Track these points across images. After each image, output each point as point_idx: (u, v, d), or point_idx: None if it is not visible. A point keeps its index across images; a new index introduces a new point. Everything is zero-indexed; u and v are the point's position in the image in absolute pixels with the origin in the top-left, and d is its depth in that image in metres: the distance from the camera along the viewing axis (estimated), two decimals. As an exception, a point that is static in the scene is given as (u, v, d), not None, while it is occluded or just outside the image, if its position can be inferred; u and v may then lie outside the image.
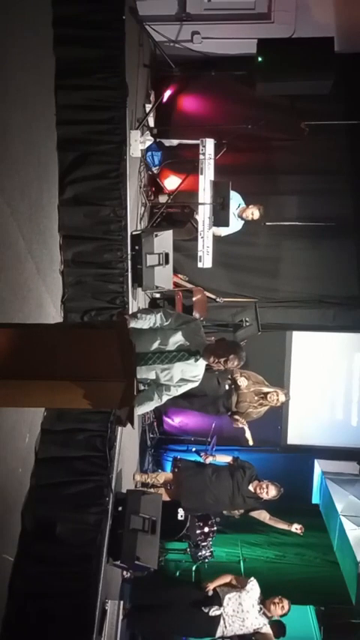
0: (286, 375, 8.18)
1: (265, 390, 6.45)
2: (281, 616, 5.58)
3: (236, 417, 6.52)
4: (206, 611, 5.49)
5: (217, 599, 5.57)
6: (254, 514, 6.32)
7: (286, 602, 5.56)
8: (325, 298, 7.84)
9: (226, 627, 5.48)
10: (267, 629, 5.51)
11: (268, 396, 6.39)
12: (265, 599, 5.59)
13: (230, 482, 6.17)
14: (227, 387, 6.55)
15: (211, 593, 5.63)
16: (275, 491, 6.10)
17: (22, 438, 4.41)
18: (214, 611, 5.48)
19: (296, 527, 6.24)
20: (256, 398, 6.43)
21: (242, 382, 6.42)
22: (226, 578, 5.85)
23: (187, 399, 6.61)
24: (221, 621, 5.48)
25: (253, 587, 5.63)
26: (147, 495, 5.24)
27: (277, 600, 5.56)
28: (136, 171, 6.27)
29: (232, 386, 6.52)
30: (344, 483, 7.83)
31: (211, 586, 5.69)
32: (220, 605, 5.52)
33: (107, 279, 5.43)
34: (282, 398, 6.46)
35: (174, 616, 5.68)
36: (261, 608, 5.54)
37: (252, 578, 5.74)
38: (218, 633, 5.51)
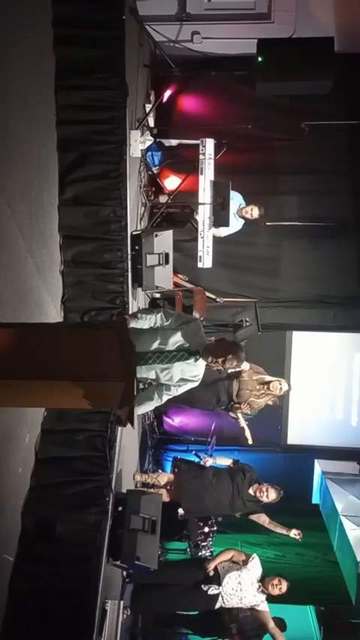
0: (286, 376, 8.14)
1: (268, 378, 6.41)
2: (278, 596, 5.68)
3: (237, 405, 6.46)
4: (205, 589, 5.60)
5: (216, 579, 5.68)
6: (254, 517, 6.29)
7: (284, 584, 5.66)
8: (325, 298, 7.84)
9: (224, 603, 5.65)
10: (264, 607, 5.63)
11: (271, 384, 6.33)
12: (264, 577, 5.68)
13: (230, 485, 6.15)
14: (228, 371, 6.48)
15: (212, 573, 5.73)
16: (275, 494, 6.08)
17: (22, 438, 4.41)
18: (212, 590, 5.61)
19: (295, 533, 6.21)
20: (257, 387, 6.38)
21: (244, 365, 6.35)
22: (228, 554, 5.93)
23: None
24: (219, 598, 5.63)
25: (255, 566, 5.73)
26: (147, 495, 5.24)
27: (275, 582, 5.65)
28: (136, 171, 6.27)
29: (233, 372, 6.46)
30: (344, 483, 7.82)
31: (212, 565, 5.79)
32: (220, 584, 5.63)
33: (107, 279, 5.43)
34: (285, 387, 6.39)
35: (174, 593, 5.78)
36: (260, 586, 5.60)
37: (254, 555, 5.83)
38: (217, 606, 5.67)
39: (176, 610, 6.24)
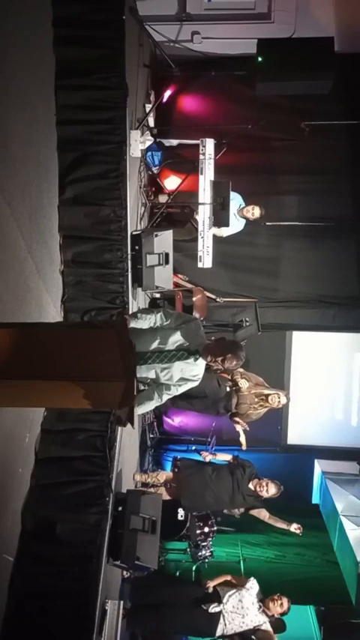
0: (286, 375, 8.18)
1: (266, 392, 6.46)
2: (281, 614, 5.58)
3: (236, 418, 6.53)
4: (206, 608, 5.49)
5: (216, 597, 5.58)
6: (254, 512, 6.31)
7: (285, 600, 5.57)
8: (325, 298, 7.84)
9: (225, 625, 5.48)
10: (267, 627, 5.52)
11: (270, 398, 6.40)
12: (264, 598, 5.60)
13: (230, 480, 6.16)
14: (227, 388, 6.55)
15: (211, 590, 5.65)
16: (275, 489, 6.10)
17: (22, 438, 4.41)
18: (213, 608, 5.49)
19: (295, 527, 6.23)
20: (256, 400, 6.43)
21: (243, 384, 6.42)
22: (226, 577, 5.87)
23: (187, 401, 6.61)
24: (221, 619, 5.48)
25: (253, 586, 5.64)
26: (147, 495, 5.24)
27: (276, 597, 5.57)
28: (136, 171, 6.27)
29: (233, 388, 6.53)
30: (344, 483, 7.82)
31: (211, 584, 5.71)
32: (220, 602, 5.52)
33: (107, 279, 5.43)
34: (283, 400, 6.47)
35: (174, 614, 5.69)
36: (260, 606, 5.55)
37: (252, 578, 5.75)
38: (218, 632, 5.50)
39: (176, 632, 6.16)
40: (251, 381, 6.49)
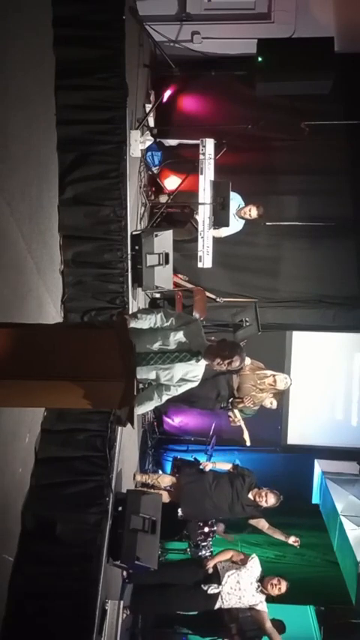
0: (286, 375, 8.18)
1: (270, 373, 6.46)
2: (278, 596, 5.68)
3: (238, 399, 6.46)
4: (205, 588, 5.63)
5: (216, 577, 5.71)
6: (253, 522, 6.28)
7: (283, 584, 5.66)
8: (325, 298, 7.84)
9: (223, 603, 5.66)
10: (262, 607, 5.64)
11: (277, 377, 6.40)
12: (264, 577, 5.69)
13: (230, 489, 6.12)
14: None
15: (211, 570, 5.77)
16: (274, 499, 6.07)
17: (22, 438, 4.41)
18: (212, 589, 5.64)
19: (293, 540, 6.17)
20: (259, 381, 6.41)
21: (246, 360, 6.36)
22: (227, 554, 5.97)
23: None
24: (219, 598, 5.64)
25: (254, 565, 5.75)
26: (147, 495, 5.25)
27: (275, 582, 5.66)
28: (136, 171, 6.27)
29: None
30: (344, 483, 7.82)
31: (211, 563, 5.83)
32: (219, 583, 5.65)
33: (107, 279, 5.44)
34: (289, 381, 6.54)
35: (174, 593, 5.81)
36: (259, 586, 5.65)
37: (253, 555, 5.86)
38: (217, 606, 5.68)
39: (176, 610, 6.25)
40: (252, 364, 6.48)
